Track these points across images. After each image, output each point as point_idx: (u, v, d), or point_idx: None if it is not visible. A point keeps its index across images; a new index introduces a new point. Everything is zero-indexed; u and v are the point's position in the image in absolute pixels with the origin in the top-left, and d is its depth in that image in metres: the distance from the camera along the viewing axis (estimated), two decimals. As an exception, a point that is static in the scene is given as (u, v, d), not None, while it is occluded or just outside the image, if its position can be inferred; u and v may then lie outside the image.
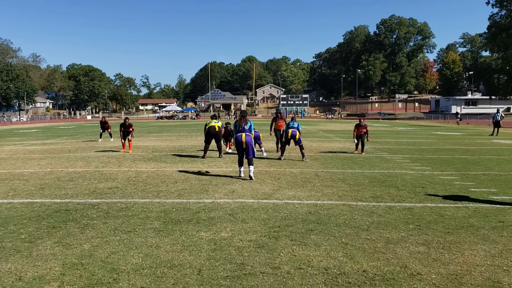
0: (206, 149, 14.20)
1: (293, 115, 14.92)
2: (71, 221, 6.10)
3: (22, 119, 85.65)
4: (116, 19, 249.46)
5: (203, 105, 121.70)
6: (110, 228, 5.73)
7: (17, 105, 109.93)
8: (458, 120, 46.78)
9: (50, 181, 9.67)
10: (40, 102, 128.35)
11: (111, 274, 4.12)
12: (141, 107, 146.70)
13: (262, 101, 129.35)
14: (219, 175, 10.24)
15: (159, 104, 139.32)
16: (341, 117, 79.49)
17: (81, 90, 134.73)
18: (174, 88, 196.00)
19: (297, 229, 5.65)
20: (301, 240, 5.21)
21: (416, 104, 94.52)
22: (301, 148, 13.24)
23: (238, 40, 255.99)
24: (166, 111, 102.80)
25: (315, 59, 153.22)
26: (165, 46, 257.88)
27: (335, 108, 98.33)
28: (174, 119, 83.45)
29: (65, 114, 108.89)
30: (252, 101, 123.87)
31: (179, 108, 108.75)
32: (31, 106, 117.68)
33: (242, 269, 4.26)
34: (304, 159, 13.03)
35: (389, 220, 6.06)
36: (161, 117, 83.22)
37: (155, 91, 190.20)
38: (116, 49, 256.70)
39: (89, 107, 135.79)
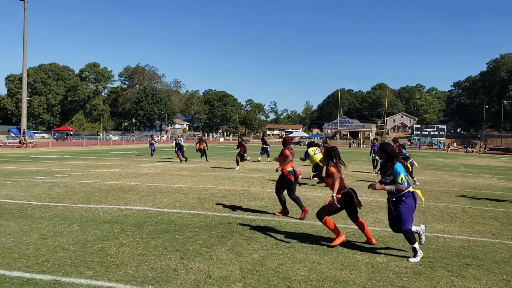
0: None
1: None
2: (236, 233, 6.87)
3: (162, 139, 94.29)
4: (251, 50, 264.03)
5: (329, 132, 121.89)
6: (272, 242, 6.35)
7: (159, 126, 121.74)
8: None
9: (206, 196, 10.82)
10: (178, 124, 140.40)
11: (285, 282, 4.66)
12: (268, 132, 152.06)
13: (392, 130, 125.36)
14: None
15: (286, 130, 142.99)
16: (483, 151, 73.04)
17: (215, 114, 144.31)
18: (301, 114, 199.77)
19: (452, 262, 5.67)
20: (458, 272, 5.24)
21: None
22: None
23: (369, 67, 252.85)
24: (293, 136, 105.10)
25: (453, 88, 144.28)
26: (294, 74, 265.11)
27: (475, 141, 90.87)
28: (301, 145, 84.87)
29: (200, 135, 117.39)
30: (381, 130, 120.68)
31: (306, 134, 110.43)
32: (170, 127, 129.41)
33: (405, 292, 4.49)
34: None
35: (557, 264, 5.74)
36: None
37: (282, 116, 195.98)
38: (248, 77, 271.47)
39: (221, 130, 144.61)
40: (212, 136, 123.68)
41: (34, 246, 5.90)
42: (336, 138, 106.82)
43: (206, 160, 24.29)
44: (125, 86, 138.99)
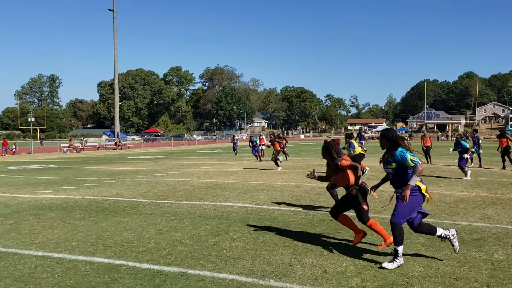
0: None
1: None
2: (341, 230, 6.89)
3: (242, 137, 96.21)
4: (328, 46, 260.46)
5: (414, 125, 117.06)
6: (379, 238, 6.26)
7: (238, 124, 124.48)
8: None
9: (301, 194, 10.95)
10: (257, 122, 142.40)
11: (402, 278, 4.64)
12: (349, 127, 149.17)
13: (483, 121, 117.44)
14: (464, 199, 10.00)
15: (368, 124, 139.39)
16: None
17: (293, 111, 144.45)
18: (383, 108, 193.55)
19: None
20: None
21: None
22: None
23: (453, 56, 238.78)
24: (376, 131, 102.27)
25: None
26: (375, 66, 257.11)
27: None
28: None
29: (279, 133, 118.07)
30: (471, 121, 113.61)
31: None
32: (249, 125, 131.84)
33: (535, 292, 4.29)
34: None
35: None
36: (372, 138, 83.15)
37: (363, 111, 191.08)
38: (327, 72, 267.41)
39: (300, 127, 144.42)
40: (292, 133, 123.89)
41: (154, 240, 6.39)
42: (423, 132, 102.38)
43: (286, 160, 23.98)
44: (205, 87, 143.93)
